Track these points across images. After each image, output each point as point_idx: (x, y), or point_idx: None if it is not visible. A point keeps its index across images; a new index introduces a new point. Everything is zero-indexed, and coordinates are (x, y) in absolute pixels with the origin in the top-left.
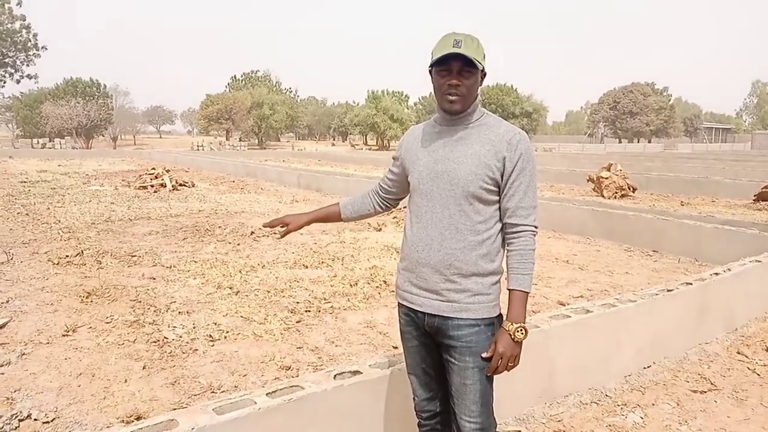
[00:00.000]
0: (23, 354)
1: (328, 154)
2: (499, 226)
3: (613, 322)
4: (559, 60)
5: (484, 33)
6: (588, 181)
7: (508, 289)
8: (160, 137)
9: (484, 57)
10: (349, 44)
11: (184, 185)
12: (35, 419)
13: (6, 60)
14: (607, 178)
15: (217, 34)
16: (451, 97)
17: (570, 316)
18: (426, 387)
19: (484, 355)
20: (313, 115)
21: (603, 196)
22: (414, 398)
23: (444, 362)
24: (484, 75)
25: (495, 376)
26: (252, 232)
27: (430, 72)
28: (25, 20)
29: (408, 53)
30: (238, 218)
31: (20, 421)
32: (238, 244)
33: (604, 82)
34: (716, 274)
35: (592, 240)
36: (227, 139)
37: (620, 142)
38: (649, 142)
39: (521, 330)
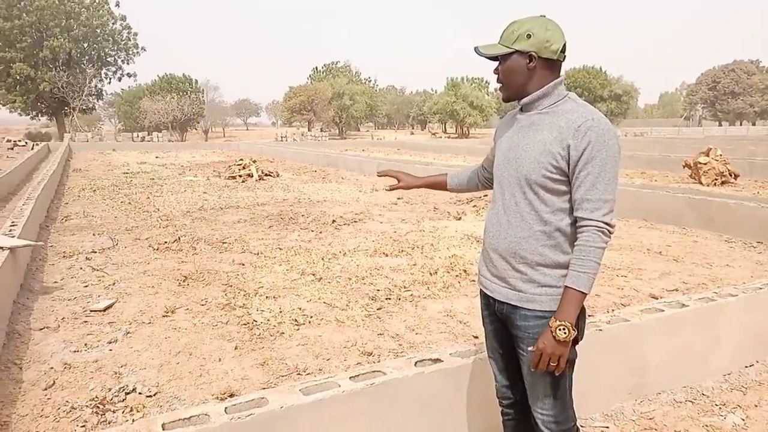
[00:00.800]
0: (128, 333)
1: (407, 142)
2: (570, 217)
3: (711, 318)
4: (652, 38)
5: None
6: (684, 167)
7: (564, 286)
8: (247, 129)
9: (529, 36)
10: (428, 32)
11: (270, 175)
12: (140, 393)
13: (108, 59)
14: (705, 164)
15: (300, 28)
16: (498, 86)
17: (663, 310)
18: (505, 372)
19: (529, 348)
20: (392, 104)
21: (701, 183)
22: (495, 383)
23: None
24: (531, 58)
25: (582, 370)
26: (334, 221)
27: None
28: (125, 20)
29: (487, 38)
30: (320, 207)
31: (126, 394)
32: (321, 232)
33: (703, 61)
34: None
35: (689, 230)
36: (309, 130)
37: (720, 125)
38: (754, 124)
39: (563, 329)
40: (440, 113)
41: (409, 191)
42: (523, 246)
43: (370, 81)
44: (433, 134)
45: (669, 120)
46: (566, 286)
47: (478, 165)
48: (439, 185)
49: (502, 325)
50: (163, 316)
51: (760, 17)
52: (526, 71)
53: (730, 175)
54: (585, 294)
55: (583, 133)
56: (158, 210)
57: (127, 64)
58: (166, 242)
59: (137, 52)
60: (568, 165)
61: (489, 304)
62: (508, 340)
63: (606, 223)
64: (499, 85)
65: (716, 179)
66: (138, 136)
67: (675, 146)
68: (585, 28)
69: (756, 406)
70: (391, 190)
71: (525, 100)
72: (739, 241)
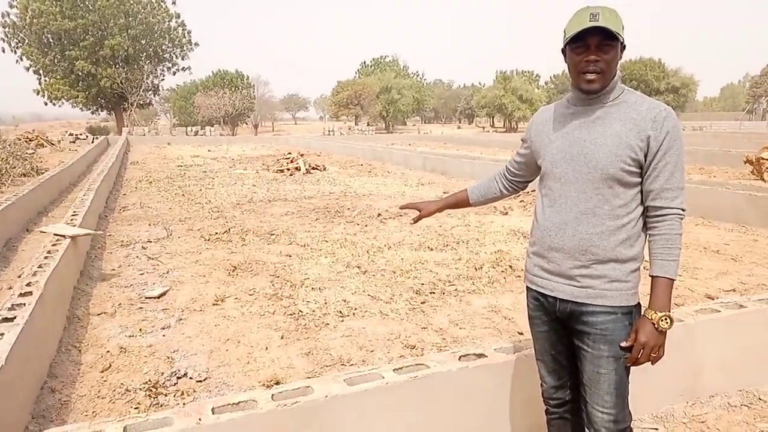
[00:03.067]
0: (180, 319)
1: (454, 137)
2: (640, 210)
3: None
4: (716, 27)
5: (626, 2)
6: (746, 162)
7: (651, 276)
8: (295, 123)
9: (623, 28)
10: (478, 24)
11: (317, 169)
12: (190, 378)
13: (165, 56)
14: None
15: (349, 22)
16: (589, 76)
17: (719, 311)
18: (554, 374)
19: (623, 344)
20: (439, 98)
21: (763, 180)
22: (542, 385)
23: (576, 349)
24: (624, 48)
25: (632, 368)
26: (379, 214)
27: (563, 51)
28: (179, 17)
29: (539, 30)
30: (366, 200)
31: (178, 378)
32: (366, 226)
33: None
34: None
35: (749, 228)
36: (356, 124)
37: None
38: None
39: (666, 319)
40: (488, 107)
41: (455, 186)
42: (596, 242)
43: (417, 75)
44: (482, 128)
45: (730, 113)
46: (657, 276)
47: (499, 172)
48: (462, 202)
49: (559, 325)
50: (213, 305)
51: None
52: (617, 62)
53: None
54: (673, 281)
55: (661, 123)
56: (210, 202)
57: (182, 60)
58: (216, 233)
59: (191, 48)
60: (646, 156)
61: (543, 304)
62: (562, 340)
63: (683, 210)
64: (593, 76)
65: None
66: (191, 130)
67: (736, 141)
68: (644, 18)
69: None
70: (414, 222)
71: (604, 91)
72: None
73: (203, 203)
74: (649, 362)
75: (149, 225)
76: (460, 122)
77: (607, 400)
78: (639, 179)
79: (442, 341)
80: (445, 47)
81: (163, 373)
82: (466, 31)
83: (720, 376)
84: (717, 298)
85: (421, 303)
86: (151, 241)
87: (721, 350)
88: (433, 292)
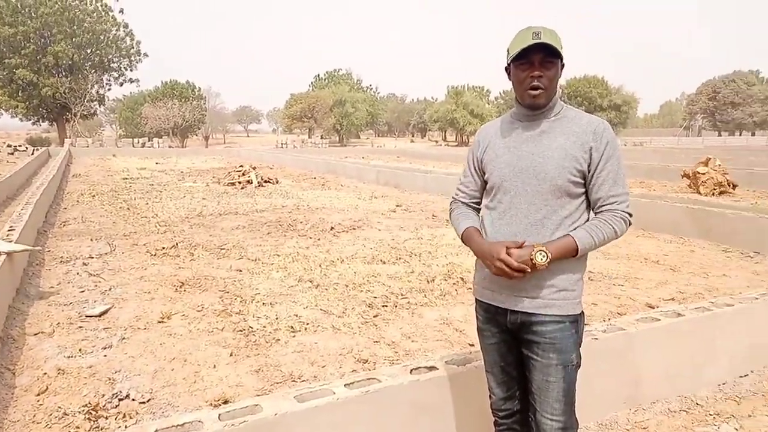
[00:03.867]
0: (123, 338)
1: (407, 150)
2: (585, 219)
3: (707, 328)
4: (655, 48)
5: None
6: (683, 176)
7: (567, 234)
8: (248, 136)
9: (562, 48)
10: (430, 40)
11: (269, 182)
12: (133, 399)
13: (111, 65)
14: (704, 174)
15: (303, 35)
16: (534, 92)
17: (659, 320)
18: (504, 385)
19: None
20: (392, 111)
21: (699, 193)
22: (491, 397)
23: (525, 359)
24: (563, 66)
25: (578, 376)
26: (332, 228)
27: (507, 70)
28: (127, 27)
29: (488, 47)
30: (319, 214)
31: (120, 400)
32: (319, 239)
33: (703, 71)
34: None
35: (686, 239)
36: (309, 137)
37: (720, 135)
38: (753, 135)
39: (543, 253)
40: (440, 121)
41: (408, 200)
42: None
43: (371, 89)
44: (436, 142)
45: (669, 130)
46: (569, 234)
47: (463, 206)
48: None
49: (509, 336)
50: (159, 322)
51: (761, 27)
52: (558, 78)
53: (729, 185)
54: (577, 251)
55: (600, 135)
56: (157, 216)
57: (130, 70)
58: (163, 248)
59: (140, 59)
60: (589, 167)
61: (494, 316)
62: (512, 351)
63: (630, 214)
64: (538, 91)
65: (715, 189)
66: (139, 141)
67: (674, 156)
68: (586, 36)
69: (750, 416)
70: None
71: (546, 107)
72: (736, 251)
73: (150, 217)
74: (492, 268)
75: (91, 240)
76: (413, 136)
77: (556, 407)
78: (583, 189)
79: (394, 355)
80: (398, 61)
81: (104, 395)
82: (419, 46)
83: (660, 382)
84: (657, 307)
85: (374, 316)
86: (93, 257)
87: (661, 358)
88: (386, 306)
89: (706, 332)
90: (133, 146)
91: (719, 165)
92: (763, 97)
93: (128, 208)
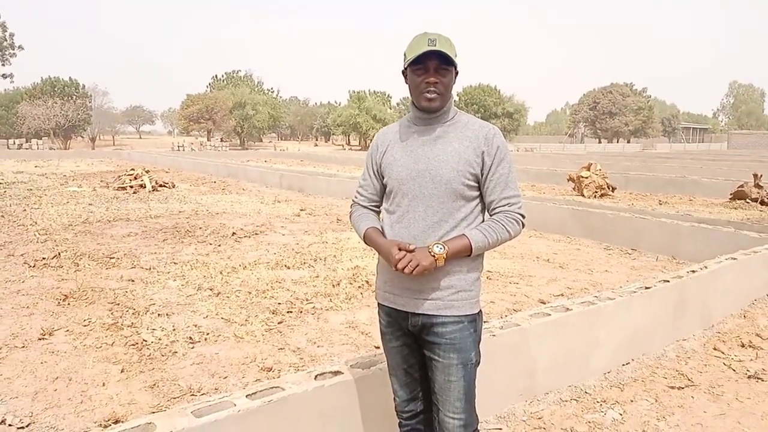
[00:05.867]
0: None
1: (311, 154)
2: (480, 221)
3: (592, 320)
4: (541, 60)
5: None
6: (568, 180)
7: (462, 234)
8: (140, 138)
9: (456, 56)
10: (332, 44)
11: (165, 186)
12: (10, 425)
13: None
14: (587, 178)
15: (198, 34)
16: (429, 95)
17: (550, 314)
18: (407, 387)
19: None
20: (295, 115)
21: (583, 196)
22: (395, 399)
23: (427, 360)
24: (457, 74)
25: (477, 375)
26: (233, 233)
27: (404, 73)
28: None
29: (390, 53)
30: (219, 219)
31: None
32: (219, 245)
33: (584, 82)
34: (693, 271)
35: (573, 239)
36: (208, 140)
37: (600, 142)
38: (628, 142)
39: (441, 247)
40: (344, 125)
41: (312, 204)
42: None
43: (272, 91)
44: (341, 146)
45: (555, 137)
46: (464, 234)
47: (363, 209)
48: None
49: (411, 339)
50: (39, 339)
51: (633, 42)
52: (453, 84)
53: (609, 188)
54: (471, 250)
55: (491, 140)
56: (36, 223)
57: (2, 65)
58: (44, 258)
59: (14, 53)
60: (482, 170)
61: (396, 319)
62: (414, 354)
63: (523, 216)
64: (433, 95)
65: (596, 192)
66: (15, 143)
67: (561, 161)
68: (483, 48)
69: (632, 401)
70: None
71: (441, 112)
72: (616, 249)
73: (27, 225)
74: (406, 269)
75: None
76: (317, 140)
77: (458, 406)
78: (478, 192)
79: (299, 361)
80: (300, 65)
81: None
82: (320, 49)
83: (553, 374)
84: (548, 302)
85: (278, 323)
86: None
87: (552, 350)
88: (291, 312)
89: (591, 325)
90: (8, 148)
91: (600, 170)
92: (636, 107)
93: (2, 216)
